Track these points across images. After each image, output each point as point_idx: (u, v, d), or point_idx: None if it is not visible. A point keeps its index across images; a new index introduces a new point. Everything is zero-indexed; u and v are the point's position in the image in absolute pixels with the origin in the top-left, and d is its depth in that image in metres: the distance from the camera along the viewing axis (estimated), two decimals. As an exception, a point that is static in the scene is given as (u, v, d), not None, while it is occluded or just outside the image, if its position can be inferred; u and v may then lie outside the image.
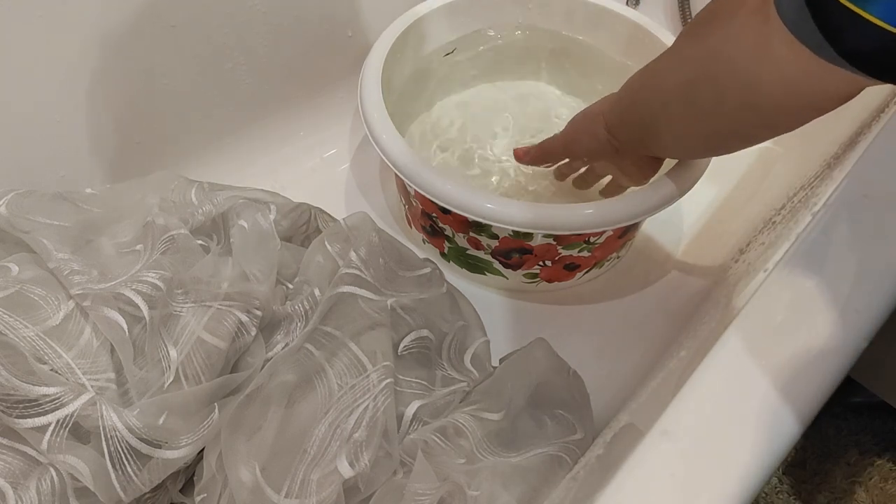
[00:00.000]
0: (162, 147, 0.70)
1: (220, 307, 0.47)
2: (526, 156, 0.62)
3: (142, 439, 0.41)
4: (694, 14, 0.79)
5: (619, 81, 0.53)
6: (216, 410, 0.45)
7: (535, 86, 0.77)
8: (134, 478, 0.41)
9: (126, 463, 0.41)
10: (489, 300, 0.68)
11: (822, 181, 0.53)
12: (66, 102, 0.61)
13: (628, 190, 0.60)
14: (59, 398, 0.41)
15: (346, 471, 0.44)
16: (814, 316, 0.35)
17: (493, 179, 0.70)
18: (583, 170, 0.64)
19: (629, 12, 0.72)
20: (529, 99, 0.76)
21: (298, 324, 0.51)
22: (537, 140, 0.63)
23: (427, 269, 0.58)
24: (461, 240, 0.64)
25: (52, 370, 0.43)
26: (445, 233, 0.64)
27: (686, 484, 0.30)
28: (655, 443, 0.32)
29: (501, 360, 0.56)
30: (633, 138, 0.53)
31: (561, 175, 0.67)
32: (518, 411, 0.51)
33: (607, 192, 0.62)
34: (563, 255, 0.62)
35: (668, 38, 0.69)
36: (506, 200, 0.55)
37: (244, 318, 0.48)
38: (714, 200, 0.75)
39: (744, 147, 0.47)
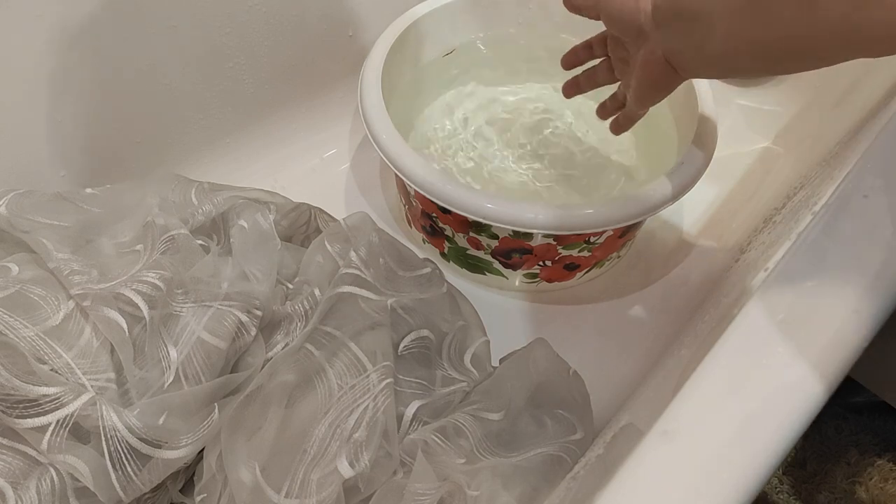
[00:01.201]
0: (162, 147, 0.70)
1: (220, 307, 0.47)
2: None
3: (142, 439, 0.41)
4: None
5: (620, 81, 0.53)
6: (216, 410, 0.45)
7: (535, 86, 0.76)
8: (134, 478, 0.41)
9: (126, 463, 0.41)
10: (489, 300, 0.68)
11: (822, 181, 0.53)
12: (67, 102, 0.61)
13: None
14: (59, 398, 0.41)
15: (346, 471, 0.44)
16: (814, 316, 0.35)
17: (489, 177, 0.70)
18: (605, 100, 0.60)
19: (629, 12, 0.72)
20: (530, 99, 0.76)
21: (298, 324, 0.51)
22: (535, 143, 0.63)
23: (427, 269, 0.58)
24: (461, 240, 0.64)
25: (52, 370, 0.43)
26: (445, 233, 0.64)
27: (686, 484, 0.30)
28: (655, 443, 0.32)
29: (501, 360, 0.56)
30: (675, 27, 0.45)
31: (581, 83, 0.62)
32: (518, 411, 0.51)
33: (617, 122, 0.60)
34: (563, 255, 0.62)
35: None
36: (506, 200, 0.55)
37: (244, 318, 0.48)
38: (715, 200, 0.75)
39: (804, 68, 0.41)
